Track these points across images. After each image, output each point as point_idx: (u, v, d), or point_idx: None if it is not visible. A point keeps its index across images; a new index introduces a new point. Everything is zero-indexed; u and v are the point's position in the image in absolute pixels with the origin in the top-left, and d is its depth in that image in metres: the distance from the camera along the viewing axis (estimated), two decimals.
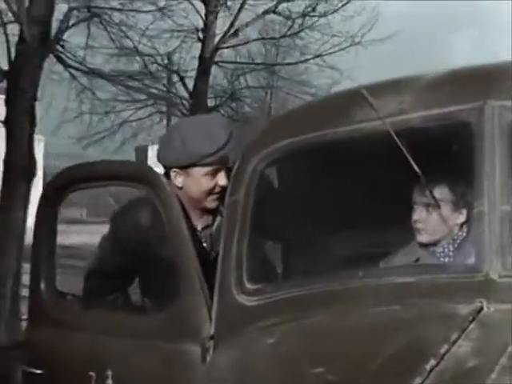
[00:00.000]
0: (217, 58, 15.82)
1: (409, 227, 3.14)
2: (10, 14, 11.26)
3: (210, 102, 16.31)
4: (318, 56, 16.28)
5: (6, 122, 10.39)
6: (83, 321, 3.32)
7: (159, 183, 3.12)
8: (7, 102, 10.56)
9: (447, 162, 2.79)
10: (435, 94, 2.82)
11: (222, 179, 3.28)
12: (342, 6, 15.18)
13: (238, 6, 15.00)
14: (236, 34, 15.31)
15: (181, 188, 3.33)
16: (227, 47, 15.95)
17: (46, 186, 3.60)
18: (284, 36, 16.09)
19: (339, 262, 3.22)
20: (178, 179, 3.32)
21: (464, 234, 3.04)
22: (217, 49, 15.52)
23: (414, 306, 2.59)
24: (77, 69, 14.03)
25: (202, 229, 3.35)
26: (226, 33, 15.29)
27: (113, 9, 14.23)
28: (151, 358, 3.03)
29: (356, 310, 2.67)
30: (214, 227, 3.35)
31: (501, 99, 2.71)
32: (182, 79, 15.76)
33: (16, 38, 10.98)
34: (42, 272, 3.49)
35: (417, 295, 2.62)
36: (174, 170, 3.32)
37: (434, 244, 3.09)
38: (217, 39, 15.45)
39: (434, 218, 3.04)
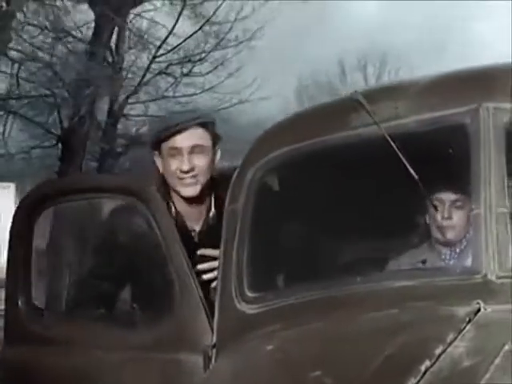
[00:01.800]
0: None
1: (411, 232, 3.14)
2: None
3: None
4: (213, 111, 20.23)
5: (60, 176, 13.84)
6: (68, 336, 3.27)
7: (148, 194, 3.11)
8: (61, 160, 14.38)
9: (444, 166, 2.78)
10: (430, 98, 2.82)
11: (183, 164, 3.24)
12: (215, 67, 18.90)
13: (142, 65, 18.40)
14: (136, 91, 18.50)
15: (163, 174, 3.34)
16: (133, 103, 19.18)
17: (23, 199, 3.50)
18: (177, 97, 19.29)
19: (338, 268, 3.22)
20: (158, 162, 3.35)
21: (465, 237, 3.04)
22: (123, 104, 18.80)
23: (412, 310, 2.58)
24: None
25: (200, 231, 3.34)
26: (132, 92, 18.51)
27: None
28: (147, 370, 3.01)
29: (355, 316, 2.66)
30: (211, 224, 3.32)
31: (496, 101, 2.71)
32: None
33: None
34: (19, 288, 3.41)
35: (415, 298, 2.61)
36: (155, 152, 3.35)
37: (457, 242, 3.07)
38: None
39: (461, 215, 3.04)
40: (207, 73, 19.09)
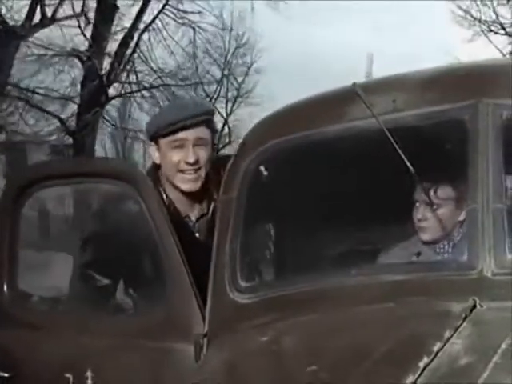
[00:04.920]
0: None
1: (404, 224, 3.12)
2: None
3: None
4: None
5: None
6: (55, 322, 3.25)
7: (140, 179, 3.06)
8: None
9: (441, 160, 2.78)
10: (429, 92, 2.81)
11: (189, 156, 3.22)
12: None
13: None
14: None
15: (159, 165, 3.31)
16: None
17: (9, 183, 3.44)
18: None
19: (332, 259, 3.21)
20: (156, 154, 3.32)
21: (461, 232, 3.02)
22: None
23: (408, 304, 2.58)
24: None
25: (197, 219, 3.30)
26: None
27: None
28: (138, 357, 2.99)
29: (349, 308, 2.66)
30: (210, 215, 3.28)
31: (495, 97, 2.70)
32: None
33: None
34: (3, 273, 3.36)
35: (411, 293, 2.61)
36: (152, 144, 3.33)
37: (436, 242, 3.06)
38: None
39: (437, 217, 3.00)
40: None
